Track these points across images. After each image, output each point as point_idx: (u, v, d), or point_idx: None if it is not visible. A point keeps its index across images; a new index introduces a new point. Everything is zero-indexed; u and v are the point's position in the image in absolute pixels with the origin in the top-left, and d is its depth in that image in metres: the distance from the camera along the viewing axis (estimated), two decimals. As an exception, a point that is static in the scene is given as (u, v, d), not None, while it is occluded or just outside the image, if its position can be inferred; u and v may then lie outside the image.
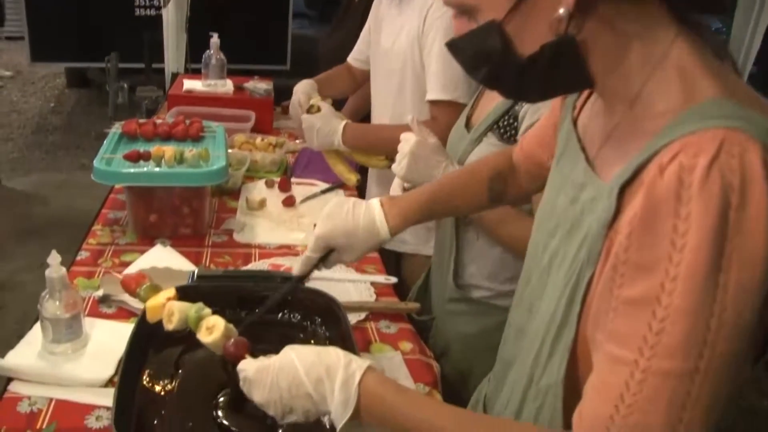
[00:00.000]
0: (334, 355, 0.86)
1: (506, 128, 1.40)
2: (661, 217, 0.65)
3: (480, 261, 1.53)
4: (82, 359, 1.31)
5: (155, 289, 1.13)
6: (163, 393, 1.18)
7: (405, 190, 1.48)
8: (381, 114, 2.09)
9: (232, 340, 0.99)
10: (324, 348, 0.89)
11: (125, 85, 4.71)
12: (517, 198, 1.33)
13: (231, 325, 1.04)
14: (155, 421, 1.12)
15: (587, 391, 0.73)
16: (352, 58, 2.35)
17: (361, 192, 2.30)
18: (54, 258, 1.29)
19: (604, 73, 0.78)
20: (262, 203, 2.04)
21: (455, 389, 1.57)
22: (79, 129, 5.91)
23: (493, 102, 1.47)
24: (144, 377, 1.20)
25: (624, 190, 0.72)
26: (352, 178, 2.05)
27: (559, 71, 0.79)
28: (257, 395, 0.89)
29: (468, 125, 1.56)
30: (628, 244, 0.68)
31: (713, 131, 0.64)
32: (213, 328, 1.03)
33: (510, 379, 1.02)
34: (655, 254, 0.65)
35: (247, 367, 0.91)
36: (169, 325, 1.07)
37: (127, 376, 1.11)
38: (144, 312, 1.24)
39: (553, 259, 0.90)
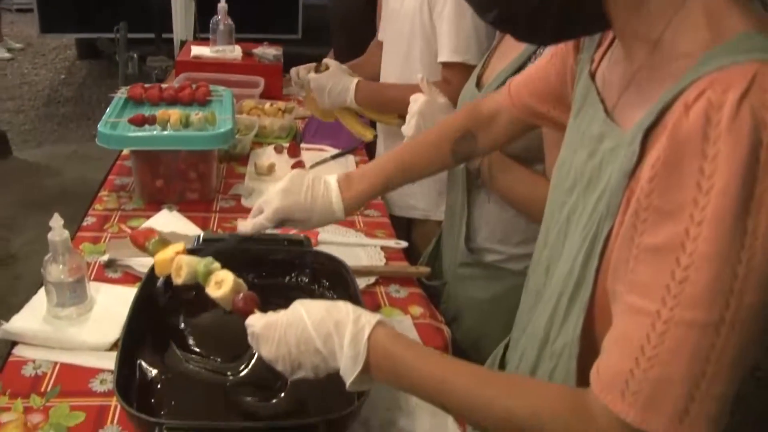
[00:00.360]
0: (344, 309, 0.84)
1: None
2: (687, 158, 0.60)
3: (492, 224, 1.49)
4: (87, 323, 1.29)
5: (164, 243, 1.10)
6: (167, 357, 1.16)
7: None
8: (390, 77, 2.04)
9: (241, 294, 0.96)
10: (333, 303, 0.86)
11: (135, 56, 4.65)
12: (489, 151, 1.32)
13: (240, 280, 1.01)
14: (159, 386, 1.10)
15: (605, 346, 0.70)
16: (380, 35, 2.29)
17: (371, 149, 2.26)
18: (56, 221, 1.27)
19: (624, 13, 0.74)
20: (271, 168, 2.01)
21: (467, 356, 1.53)
22: (90, 100, 5.89)
23: (504, 61, 1.42)
24: (148, 341, 1.18)
25: (647, 136, 0.68)
26: (368, 134, 2.01)
27: (574, 10, 0.74)
28: (265, 350, 0.86)
29: (479, 85, 1.51)
30: (650, 188, 0.64)
31: (745, 65, 0.60)
32: (222, 283, 1.00)
33: (524, 342, 0.98)
34: (680, 198, 0.61)
35: (255, 322, 0.88)
36: (178, 280, 1.04)
37: (130, 339, 1.09)
38: (148, 275, 1.23)
39: (570, 216, 0.86)
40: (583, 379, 0.75)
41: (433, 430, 1.14)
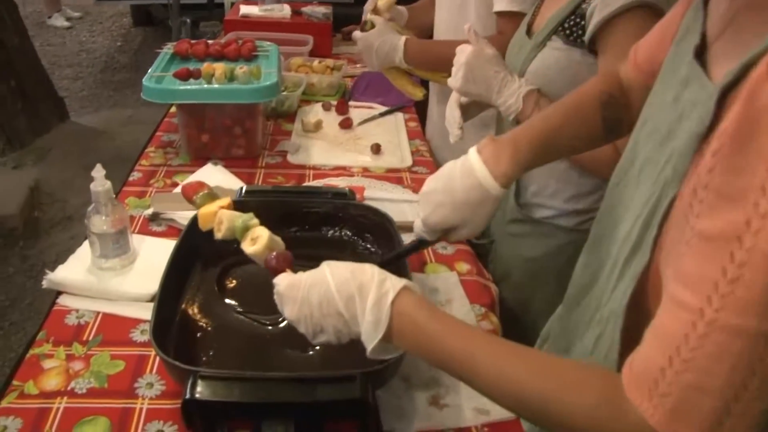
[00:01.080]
0: (369, 272, 0.78)
1: (572, 29, 1.27)
2: (761, 133, 0.50)
3: (543, 178, 1.42)
4: (130, 275, 1.28)
5: (212, 197, 1.07)
6: (207, 307, 1.14)
7: (462, 105, 1.37)
8: (444, 30, 1.97)
9: (275, 252, 0.93)
10: (359, 265, 0.80)
11: (188, 21, 4.68)
12: (633, 123, 1.15)
13: (277, 238, 0.97)
14: (198, 335, 1.08)
15: (646, 334, 0.62)
16: None
17: (422, 109, 2.19)
18: (98, 171, 1.26)
19: None
20: (318, 125, 1.97)
21: (514, 315, 1.48)
22: (145, 67, 5.78)
23: (555, 6, 1.34)
24: (188, 291, 1.16)
25: (725, 95, 0.58)
26: (418, 92, 1.95)
27: None
28: (288, 310, 0.82)
29: (529, 32, 1.43)
30: (713, 164, 0.55)
31: None
32: (257, 239, 0.97)
33: (582, 304, 0.92)
34: (745, 181, 0.51)
35: (281, 281, 0.84)
36: (218, 234, 1.01)
37: (169, 288, 1.07)
38: (189, 225, 1.21)
39: (643, 168, 0.77)
40: (627, 355, 0.68)
41: (479, 388, 1.09)
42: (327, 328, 0.79)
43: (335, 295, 0.77)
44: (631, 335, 0.69)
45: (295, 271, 0.89)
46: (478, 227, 1.02)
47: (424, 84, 2.03)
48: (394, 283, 0.76)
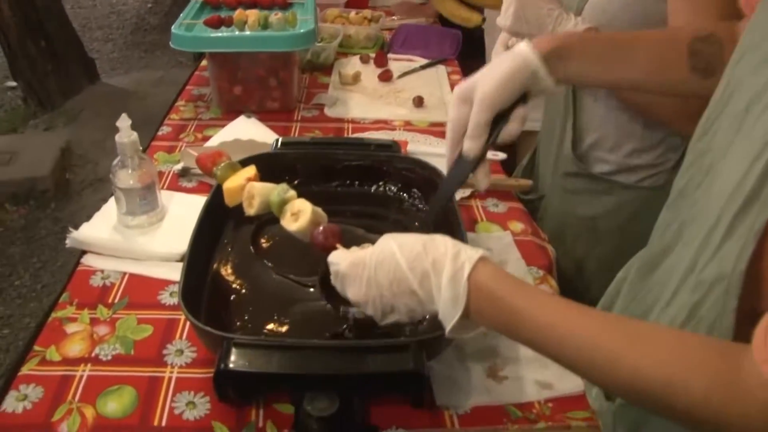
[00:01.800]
0: (442, 245, 0.70)
1: None
2: None
3: (602, 128, 1.29)
4: (158, 233, 1.19)
5: (233, 168, 0.96)
6: (242, 267, 1.04)
7: (509, 48, 1.24)
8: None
9: (321, 227, 0.83)
10: (430, 237, 0.72)
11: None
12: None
13: (319, 210, 0.87)
14: (232, 298, 0.98)
15: None
16: None
17: (463, 61, 2.06)
18: (124, 121, 1.16)
19: None
20: (357, 77, 1.86)
21: (567, 277, 1.36)
22: None
23: None
24: (221, 250, 1.07)
25: None
26: (474, 17, 1.82)
27: None
28: (352, 292, 0.75)
29: None
30: None
31: None
32: (299, 214, 0.86)
33: (664, 266, 0.79)
34: None
35: (340, 260, 0.76)
36: (250, 210, 0.91)
37: (199, 247, 0.98)
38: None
39: (751, 106, 0.64)
40: (743, 325, 0.57)
41: (537, 356, 0.96)
42: (399, 308, 0.72)
43: (407, 274, 0.69)
44: (747, 303, 0.59)
45: (345, 245, 0.80)
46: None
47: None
48: (470, 255, 0.68)
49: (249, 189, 0.91)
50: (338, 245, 0.80)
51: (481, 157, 0.88)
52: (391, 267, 0.70)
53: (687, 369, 0.55)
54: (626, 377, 0.58)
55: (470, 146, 0.86)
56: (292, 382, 0.79)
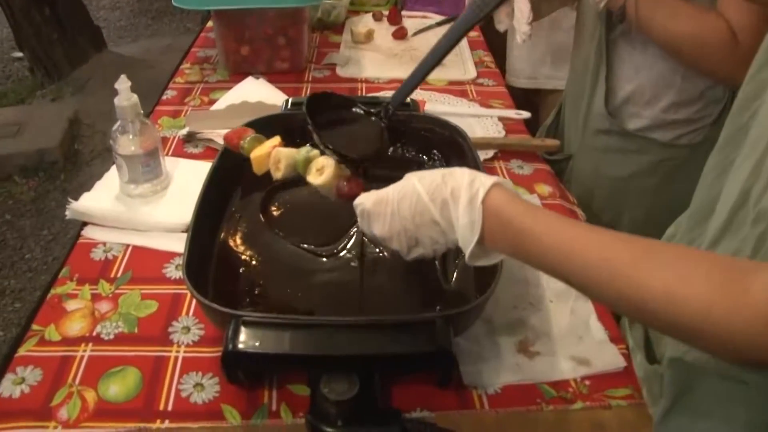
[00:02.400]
0: (459, 174, 0.71)
1: None
2: None
3: (638, 80, 1.19)
4: (162, 202, 1.12)
5: (259, 140, 0.92)
6: (250, 238, 0.97)
7: None
8: None
9: (345, 180, 0.81)
10: (449, 169, 0.72)
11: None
12: None
13: (343, 165, 0.85)
14: (241, 270, 0.91)
15: None
16: None
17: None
18: (123, 83, 1.08)
19: None
20: (369, 35, 1.77)
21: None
22: None
23: None
24: (228, 219, 1.00)
25: None
26: None
27: None
28: (378, 228, 0.74)
29: None
30: None
31: None
32: (323, 169, 0.84)
33: (716, 213, 0.72)
34: None
35: (364, 199, 0.76)
36: (278, 174, 0.88)
37: (204, 218, 0.90)
38: (226, 146, 1.03)
39: None
40: None
41: (571, 329, 0.91)
42: (423, 240, 0.72)
43: (428, 204, 0.70)
44: None
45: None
46: None
47: None
48: (484, 181, 0.68)
49: (275, 154, 0.88)
50: (363, 194, 0.78)
51: None
52: (413, 199, 0.71)
53: (689, 280, 0.54)
54: (629, 292, 0.57)
55: None
56: (307, 364, 0.72)
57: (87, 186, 1.18)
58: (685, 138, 1.20)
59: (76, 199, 1.12)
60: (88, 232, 1.07)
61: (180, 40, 4.58)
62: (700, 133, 1.19)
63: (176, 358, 0.86)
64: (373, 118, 0.94)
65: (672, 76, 1.15)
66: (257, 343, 0.69)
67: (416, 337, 0.70)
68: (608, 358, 0.86)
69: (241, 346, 0.68)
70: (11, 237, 2.85)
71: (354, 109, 0.96)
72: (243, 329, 0.70)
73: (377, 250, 0.95)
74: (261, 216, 1.01)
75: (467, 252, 0.68)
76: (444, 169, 0.72)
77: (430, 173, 0.72)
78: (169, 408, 0.79)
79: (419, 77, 0.97)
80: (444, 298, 0.89)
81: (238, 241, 0.96)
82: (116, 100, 1.08)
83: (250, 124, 0.97)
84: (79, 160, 3.33)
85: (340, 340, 0.70)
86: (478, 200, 0.67)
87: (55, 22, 3.93)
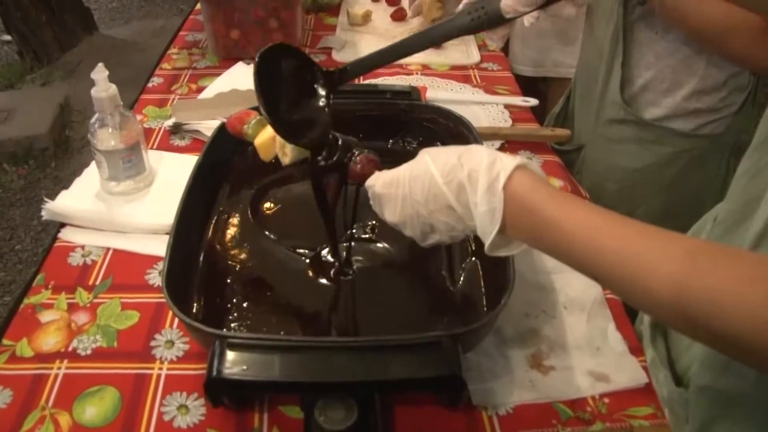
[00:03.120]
0: (477, 155, 0.63)
1: None
2: None
3: (658, 66, 1.11)
4: (146, 200, 1.04)
5: (263, 124, 0.85)
6: (239, 241, 0.90)
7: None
8: None
9: (357, 156, 0.75)
10: (466, 147, 0.65)
11: None
12: None
13: (355, 140, 0.79)
14: (228, 279, 0.84)
15: None
16: None
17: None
18: (100, 72, 1.00)
19: None
20: (367, 17, 1.68)
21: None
22: None
23: None
24: (216, 221, 0.92)
25: None
26: None
27: None
28: (389, 213, 0.69)
29: None
30: None
31: None
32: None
33: (755, 218, 0.64)
34: None
35: (374, 181, 0.71)
36: (285, 159, 0.81)
37: (188, 220, 0.83)
38: (214, 137, 0.96)
39: None
40: None
41: (588, 340, 0.84)
42: (438, 226, 0.66)
43: (443, 188, 0.63)
44: None
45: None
46: None
47: None
48: (506, 164, 0.61)
49: (280, 139, 0.80)
50: (377, 172, 0.73)
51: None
52: (426, 182, 0.65)
53: (745, 285, 0.46)
54: (670, 297, 0.49)
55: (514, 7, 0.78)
56: (300, 390, 0.65)
57: (79, 174, 1.11)
58: (707, 128, 1.12)
59: (66, 187, 1.05)
60: (66, 235, 1.00)
61: (173, 21, 4.47)
62: (722, 123, 1.11)
63: (158, 376, 0.78)
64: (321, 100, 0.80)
65: (695, 61, 1.07)
66: (244, 368, 0.62)
67: (421, 360, 0.63)
68: (629, 372, 0.79)
69: (225, 372, 0.61)
70: (0, 227, 2.77)
71: (308, 75, 0.80)
72: (228, 352, 0.63)
73: (380, 245, 0.88)
74: (250, 216, 0.94)
75: (487, 242, 0.61)
76: (460, 147, 0.65)
77: (445, 151, 0.65)
78: (151, 433, 0.72)
79: (389, 59, 0.87)
80: (451, 303, 0.82)
81: (226, 245, 0.89)
82: (93, 91, 1.01)
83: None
84: (70, 146, 3.25)
85: (336, 364, 0.63)
86: (499, 185, 0.60)
87: (44, 4, 3.82)
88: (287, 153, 0.80)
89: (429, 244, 0.69)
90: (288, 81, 0.76)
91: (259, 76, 0.71)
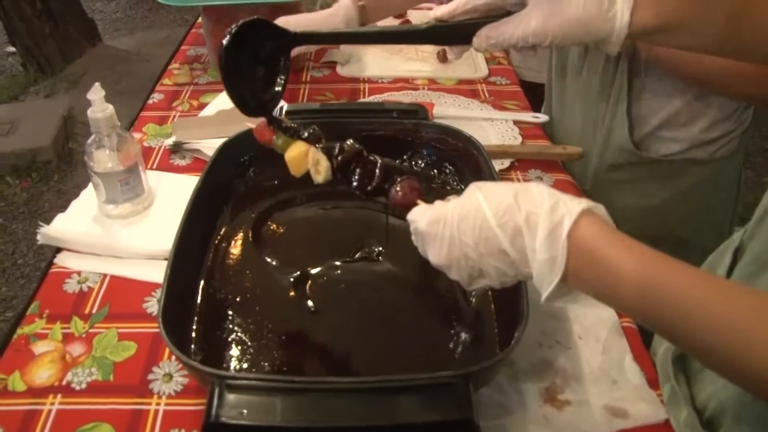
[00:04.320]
0: (537, 195, 0.58)
1: None
2: None
3: (671, 105, 1.06)
4: (144, 224, 1.01)
5: (295, 132, 0.80)
6: (241, 269, 0.86)
7: None
8: None
9: (398, 182, 0.70)
10: (524, 185, 0.60)
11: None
12: None
13: (392, 162, 0.74)
14: (229, 311, 0.80)
15: None
16: None
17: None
18: (96, 92, 0.98)
19: None
20: (371, 30, 1.64)
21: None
22: None
23: None
24: (213, 249, 0.89)
25: None
26: None
27: None
28: (433, 254, 0.63)
29: None
30: None
31: None
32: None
33: None
34: None
35: (418, 216, 0.64)
36: (318, 177, 0.76)
37: (185, 247, 0.79)
38: (215, 158, 0.93)
39: None
40: None
41: (604, 372, 0.80)
42: (487, 271, 0.60)
43: (496, 230, 0.58)
44: None
45: (427, 200, 0.67)
46: None
47: None
48: (570, 208, 0.55)
49: (314, 155, 0.76)
50: (419, 201, 0.68)
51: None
52: (477, 223, 0.59)
53: None
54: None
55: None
56: (303, 434, 0.61)
57: (82, 187, 1.09)
58: (723, 150, 1.09)
59: (70, 200, 1.03)
60: (62, 260, 0.97)
61: (177, 32, 4.46)
62: (736, 140, 1.08)
63: (156, 411, 0.75)
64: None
65: (709, 94, 1.04)
66: (244, 412, 0.58)
67: (431, 402, 0.59)
68: (647, 407, 0.75)
69: (224, 417, 0.58)
70: (3, 241, 2.74)
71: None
72: (227, 395, 0.59)
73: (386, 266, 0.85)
74: (252, 242, 0.90)
75: (545, 293, 0.56)
76: (516, 184, 0.60)
77: (500, 188, 0.60)
78: (147, 475, 0.69)
79: (343, 40, 0.85)
80: (461, 334, 0.78)
81: (226, 273, 0.86)
82: (89, 112, 0.98)
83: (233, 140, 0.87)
84: (73, 159, 3.22)
85: (341, 407, 0.59)
86: (563, 232, 0.54)
87: (47, 15, 3.81)
88: (320, 171, 0.75)
89: (476, 288, 0.64)
90: (253, 53, 0.75)
91: (227, 52, 0.71)
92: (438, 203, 0.64)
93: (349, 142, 0.74)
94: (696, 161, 1.09)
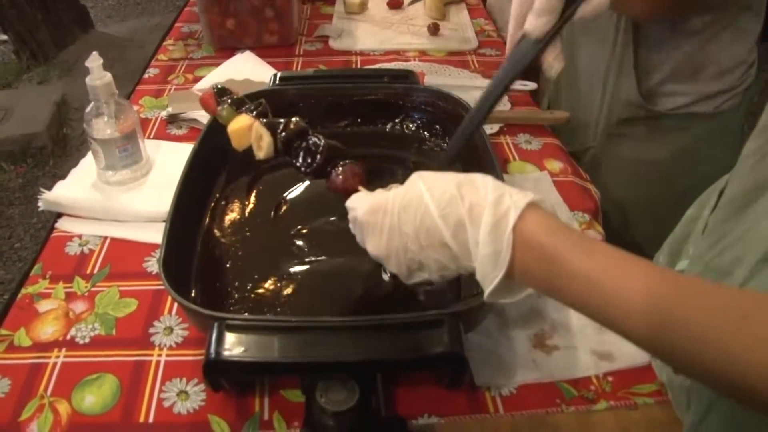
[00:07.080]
0: (481, 186, 0.55)
1: None
2: None
3: (677, 55, 1.07)
4: (143, 189, 1.04)
5: (241, 105, 0.80)
6: (238, 226, 0.89)
7: None
8: None
9: (340, 166, 0.69)
10: (467, 177, 0.57)
11: None
12: None
13: (336, 144, 0.72)
14: (228, 264, 0.83)
15: None
16: None
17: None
18: (94, 60, 1.00)
19: None
20: (363, 5, 1.67)
21: (613, 229, 1.15)
22: None
23: None
24: (211, 208, 0.91)
25: None
26: None
27: None
28: (372, 244, 0.60)
29: None
30: None
31: None
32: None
33: (760, 204, 0.62)
34: None
35: (358, 204, 0.62)
36: (260, 153, 0.75)
37: (185, 206, 0.82)
38: (210, 125, 0.95)
39: None
40: None
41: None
42: (428, 264, 0.57)
43: (438, 222, 0.55)
44: None
45: (368, 187, 0.64)
46: None
47: None
48: (516, 201, 0.53)
49: (257, 129, 0.74)
50: (360, 187, 0.66)
51: (550, 39, 0.68)
52: (419, 213, 0.56)
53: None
54: (718, 361, 0.42)
55: (537, 24, 0.67)
56: (300, 371, 0.64)
57: None
58: (727, 104, 1.10)
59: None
60: (63, 225, 0.99)
61: (169, 18, 4.41)
62: (738, 96, 1.10)
63: (158, 362, 0.78)
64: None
65: (711, 44, 1.05)
66: (243, 350, 0.61)
67: (422, 339, 0.62)
68: (632, 350, 0.77)
69: (224, 354, 0.60)
70: (0, 226, 2.76)
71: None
72: (227, 334, 0.62)
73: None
74: (249, 202, 0.93)
75: (487, 289, 0.53)
76: (461, 175, 0.57)
77: (444, 179, 0.57)
78: (150, 419, 0.71)
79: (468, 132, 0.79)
80: (454, 281, 0.80)
81: (225, 230, 0.88)
82: (88, 80, 1.00)
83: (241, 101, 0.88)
84: (68, 144, 3.24)
85: (336, 344, 0.62)
86: (508, 226, 0.51)
87: (39, 3, 3.81)
88: (262, 147, 0.74)
89: (414, 281, 0.61)
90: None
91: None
92: (379, 191, 0.62)
93: (295, 119, 0.73)
94: (700, 115, 1.10)
